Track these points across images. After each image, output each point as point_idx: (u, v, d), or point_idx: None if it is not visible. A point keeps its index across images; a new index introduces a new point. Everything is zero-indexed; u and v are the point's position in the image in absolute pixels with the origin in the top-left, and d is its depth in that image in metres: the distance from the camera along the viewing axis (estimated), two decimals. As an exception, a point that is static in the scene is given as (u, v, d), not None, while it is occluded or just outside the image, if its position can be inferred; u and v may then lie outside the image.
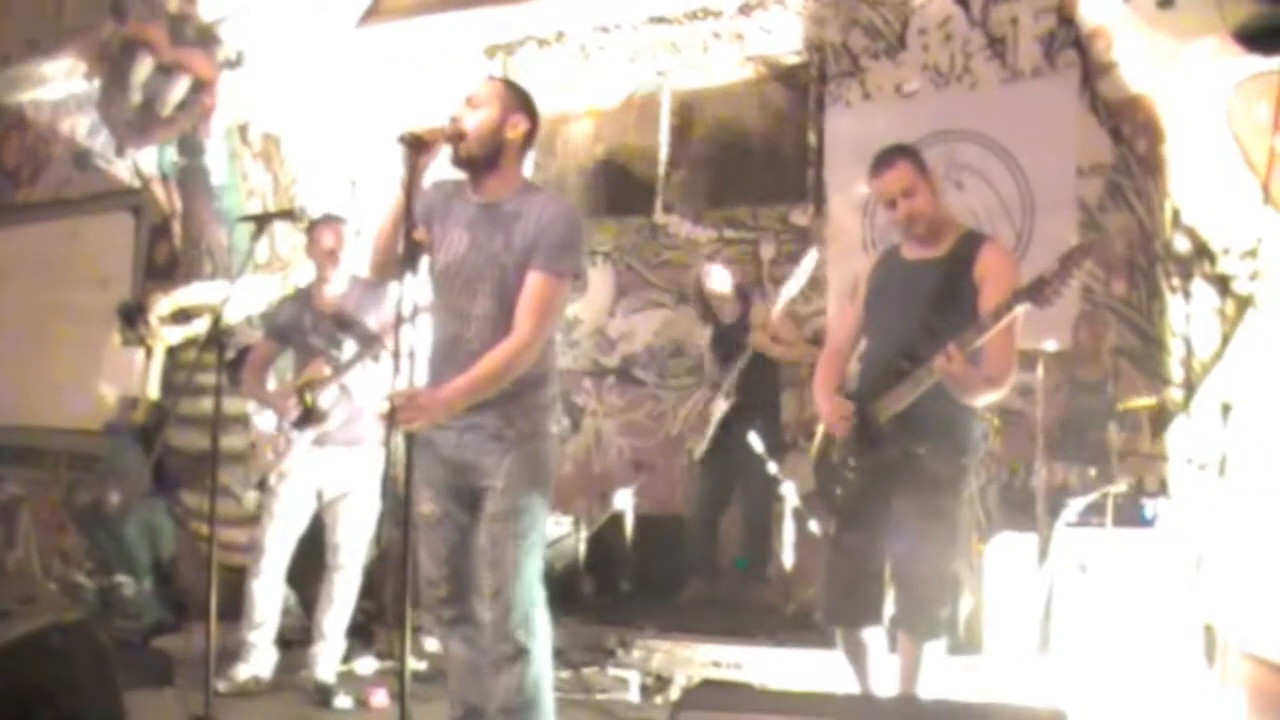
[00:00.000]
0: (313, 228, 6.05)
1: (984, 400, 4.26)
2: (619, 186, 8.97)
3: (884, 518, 4.28)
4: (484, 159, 3.95)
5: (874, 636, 4.42)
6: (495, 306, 3.93)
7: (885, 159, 4.41)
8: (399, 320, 3.74)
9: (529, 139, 4.06)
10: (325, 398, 5.79)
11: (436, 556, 4.05)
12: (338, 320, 5.86)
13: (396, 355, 3.78)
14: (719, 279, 7.36)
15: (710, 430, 7.19)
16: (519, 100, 4.03)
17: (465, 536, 4.02)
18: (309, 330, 5.94)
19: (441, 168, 4.00)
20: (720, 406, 7.16)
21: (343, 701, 5.71)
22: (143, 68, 8.30)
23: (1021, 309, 4.02)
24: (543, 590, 4.00)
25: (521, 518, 3.93)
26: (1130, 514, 5.84)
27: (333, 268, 5.96)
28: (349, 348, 5.80)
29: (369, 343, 5.73)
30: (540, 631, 3.96)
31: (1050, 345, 5.90)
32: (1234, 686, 5.23)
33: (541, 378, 4.02)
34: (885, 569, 4.33)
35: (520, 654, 3.91)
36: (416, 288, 3.93)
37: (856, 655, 4.45)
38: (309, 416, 5.80)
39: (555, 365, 4.17)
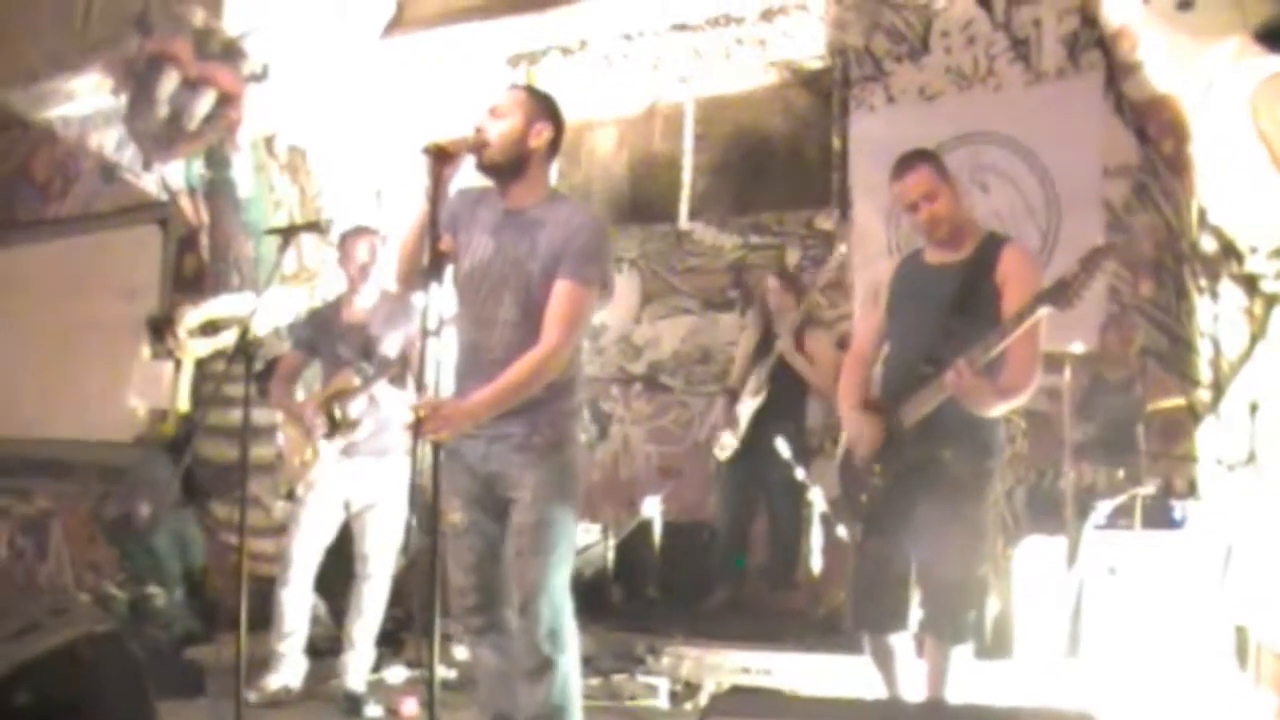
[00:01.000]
0: (344, 239, 6.07)
1: (999, 411, 4.24)
2: (644, 193, 8.98)
3: (910, 523, 4.28)
4: (508, 167, 3.97)
5: (901, 641, 4.41)
6: (520, 313, 3.94)
7: (906, 163, 4.42)
8: (425, 334, 3.73)
9: (554, 146, 4.08)
10: (354, 408, 5.81)
11: (464, 566, 4.06)
12: (364, 335, 5.88)
13: (422, 368, 3.79)
14: (773, 293, 7.34)
15: (741, 429, 7.18)
16: (542, 108, 4.05)
17: (493, 546, 4.03)
18: (337, 341, 5.97)
19: (468, 175, 4.01)
20: (750, 404, 7.15)
21: (373, 710, 5.73)
22: (168, 82, 8.34)
23: (1044, 312, 4.00)
24: (571, 602, 3.99)
25: (549, 530, 3.93)
26: (1159, 516, 5.81)
27: (363, 280, 5.99)
28: (377, 360, 5.82)
29: (385, 367, 5.75)
30: (569, 644, 3.96)
31: (1077, 347, 5.88)
32: (1266, 688, 5.21)
33: (568, 385, 4.03)
34: (912, 574, 4.32)
35: (548, 666, 3.91)
36: (442, 299, 3.93)
37: (884, 660, 4.45)
38: (337, 427, 5.82)
39: (582, 373, 4.18)
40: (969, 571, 4.25)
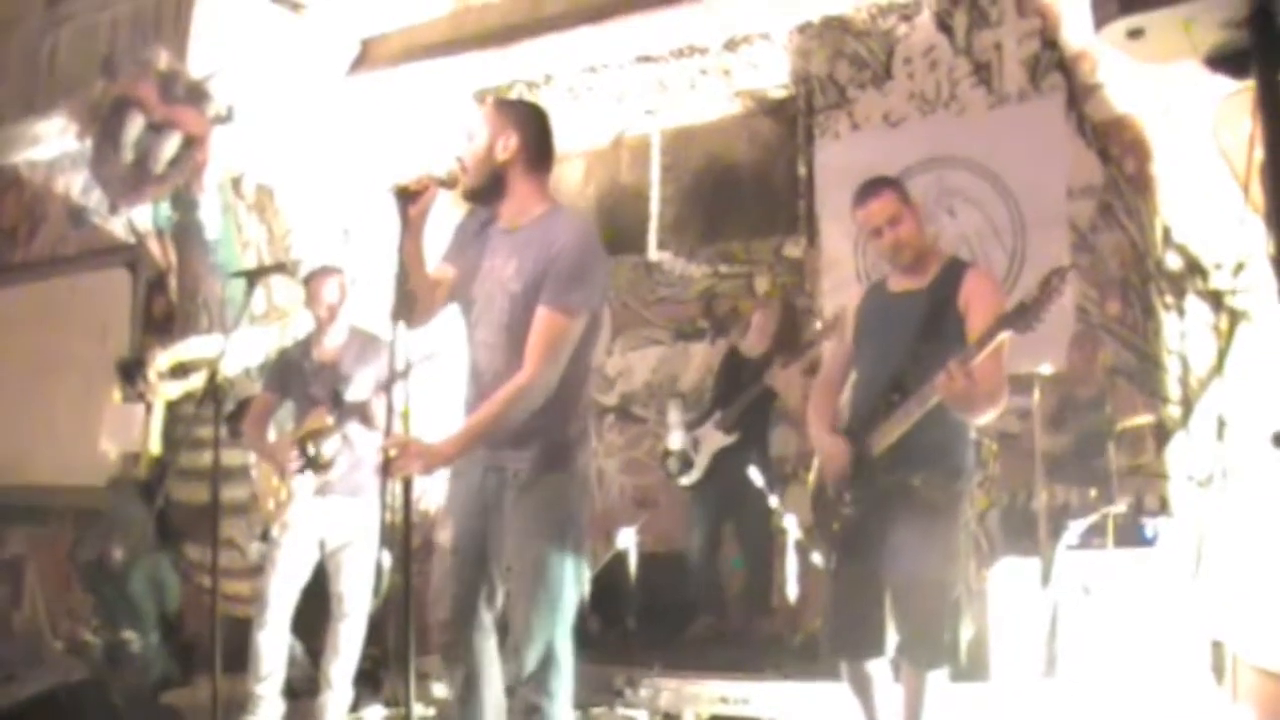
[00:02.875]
0: (310, 279, 6.07)
1: (984, 419, 4.26)
2: (612, 225, 8.98)
3: (883, 549, 4.26)
4: (486, 188, 3.86)
5: (878, 668, 4.41)
6: (505, 337, 3.81)
7: (870, 189, 4.43)
8: (394, 372, 3.67)
9: (526, 153, 3.88)
10: (327, 447, 5.80)
11: (446, 596, 3.95)
12: (335, 376, 5.87)
13: (390, 409, 3.73)
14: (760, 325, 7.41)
15: (703, 461, 7.20)
16: (508, 117, 3.89)
17: (477, 579, 3.90)
18: (309, 380, 5.96)
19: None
20: (718, 439, 7.17)
21: (351, 750, 5.71)
22: (134, 126, 8.33)
23: (1006, 335, 4.02)
24: (570, 648, 3.81)
25: (540, 573, 3.76)
26: (1131, 534, 5.84)
27: (332, 320, 5.99)
28: (350, 397, 5.81)
29: (357, 412, 5.72)
30: (559, 691, 3.77)
31: (1045, 368, 5.91)
32: (1244, 702, 5.22)
33: (565, 413, 3.84)
34: (886, 600, 4.32)
35: (534, 712, 3.74)
36: (412, 338, 3.90)
37: (861, 687, 4.44)
38: (311, 466, 5.80)
39: (582, 398, 3.97)
40: (943, 596, 4.25)
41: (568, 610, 3.82)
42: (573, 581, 3.85)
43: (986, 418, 4.26)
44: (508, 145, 3.84)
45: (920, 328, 4.29)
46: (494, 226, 3.95)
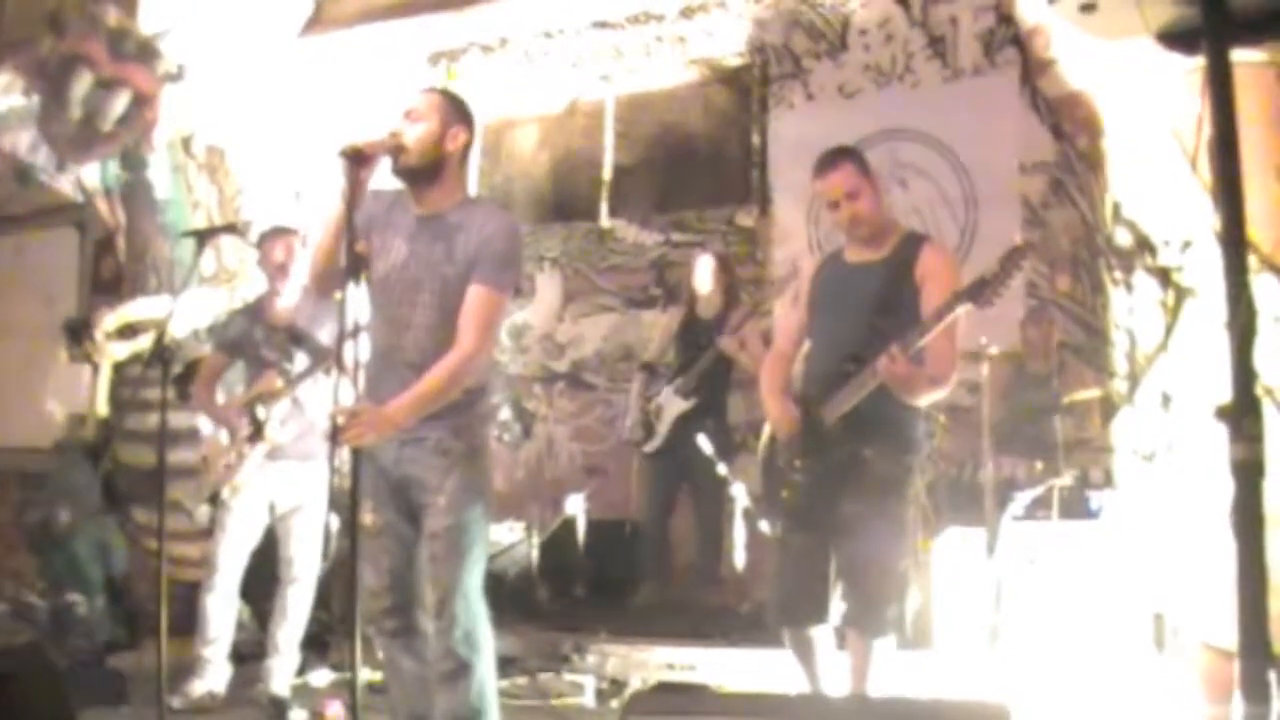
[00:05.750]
0: (263, 240, 6.03)
1: (927, 400, 4.30)
2: (565, 191, 8.99)
3: (832, 518, 4.30)
4: (424, 171, 3.97)
5: (821, 635, 4.45)
6: (436, 316, 3.94)
7: (829, 160, 4.43)
8: (343, 335, 3.72)
9: (468, 150, 4.09)
10: (278, 411, 5.77)
11: (378, 568, 4.03)
12: (290, 333, 5.84)
13: (342, 370, 3.79)
14: (703, 272, 7.24)
15: (664, 428, 7.18)
16: (458, 112, 4.04)
17: (407, 549, 4.02)
18: (261, 343, 5.91)
19: (382, 177, 4.00)
20: (678, 404, 7.14)
21: (298, 715, 5.67)
22: (82, 83, 8.22)
23: (963, 309, 4.05)
24: (484, 603, 4.01)
25: (465, 534, 3.94)
26: (1076, 506, 5.92)
27: (283, 280, 5.94)
28: (301, 360, 5.77)
29: (321, 356, 5.70)
30: (484, 645, 3.97)
31: (994, 348, 5.96)
32: (1184, 674, 5.29)
33: (483, 390, 4.06)
34: (832, 568, 4.35)
35: (464, 669, 3.91)
36: (360, 301, 3.92)
37: (804, 653, 4.47)
38: (261, 430, 5.77)
39: (496, 377, 4.20)
40: (891, 566, 4.30)
41: (482, 570, 4.04)
42: (487, 545, 4.16)
43: (935, 396, 4.31)
44: (457, 138, 4.02)
45: (877, 300, 4.31)
46: (402, 208, 4.06)
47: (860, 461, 4.27)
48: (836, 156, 4.45)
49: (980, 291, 4.01)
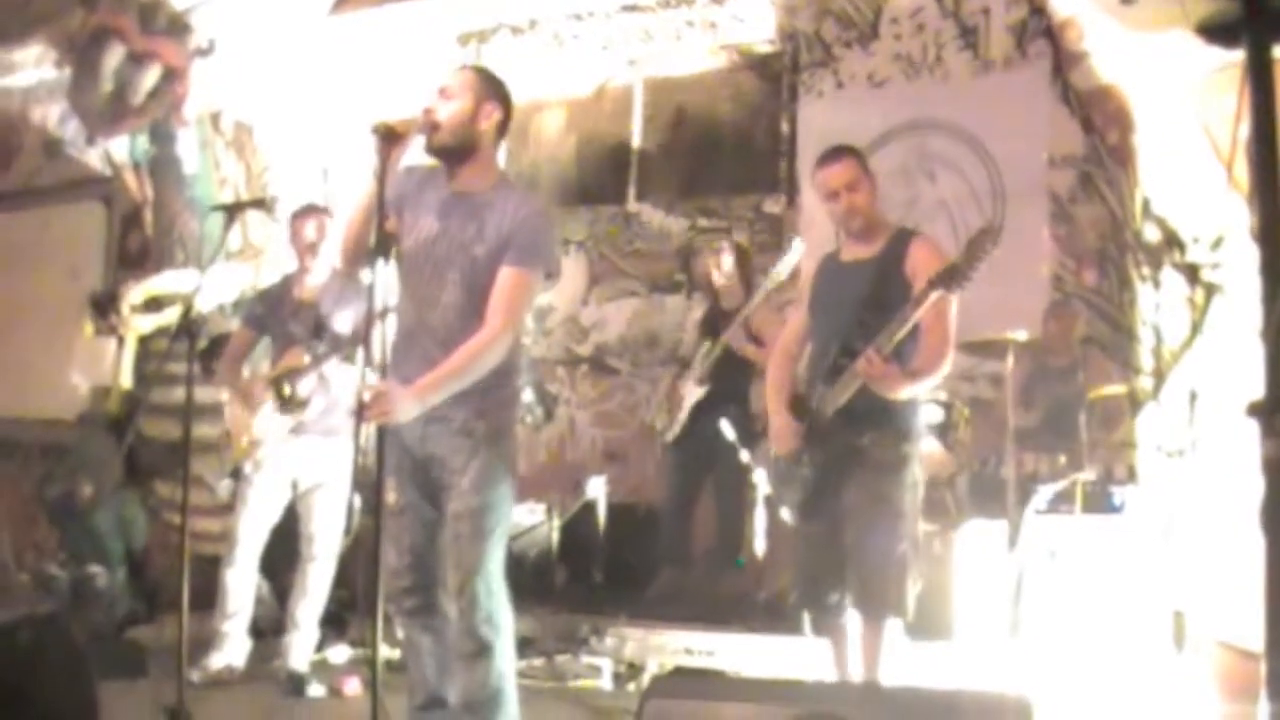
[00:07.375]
0: (294, 218, 6.04)
1: (909, 393, 4.41)
2: (592, 175, 8.97)
3: (838, 507, 4.46)
4: (458, 149, 3.95)
5: (850, 619, 4.54)
6: (464, 295, 3.92)
7: (832, 154, 4.62)
8: (372, 314, 3.72)
9: (502, 128, 4.06)
10: (303, 387, 5.78)
11: (399, 547, 4.03)
12: (316, 315, 5.85)
13: (368, 349, 3.80)
14: (724, 265, 7.14)
15: (683, 416, 7.17)
16: (492, 90, 4.02)
17: (429, 528, 4.01)
18: (288, 319, 5.93)
19: (415, 154, 4.00)
20: (694, 393, 7.13)
21: (316, 690, 5.71)
22: (113, 56, 8.26)
23: (936, 295, 4.12)
24: (505, 584, 3.99)
25: (488, 515, 3.92)
26: (1099, 501, 5.90)
27: (313, 258, 5.95)
28: (329, 337, 5.78)
29: (339, 345, 5.72)
30: (504, 626, 3.96)
31: (1020, 335, 5.93)
32: (1202, 672, 5.28)
33: (510, 371, 4.02)
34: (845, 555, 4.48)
35: (484, 650, 3.90)
36: (389, 279, 3.91)
37: (836, 639, 4.62)
38: (286, 405, 5.78)
39: (522, 359, 4.21)
40: (890, 549, 4.40)
41: (503, 553, 4.03)
42: (509, 527, 4.12)
43: (920, 388, 4.44)
44: (491, 116, 3.99)
45: (868, 296, 4.46)
46: (435, 186, 4.04)
47: (858, 450, 4.45)
48: (839, 151, 4.65)
49: (950, 276, 4.09)
